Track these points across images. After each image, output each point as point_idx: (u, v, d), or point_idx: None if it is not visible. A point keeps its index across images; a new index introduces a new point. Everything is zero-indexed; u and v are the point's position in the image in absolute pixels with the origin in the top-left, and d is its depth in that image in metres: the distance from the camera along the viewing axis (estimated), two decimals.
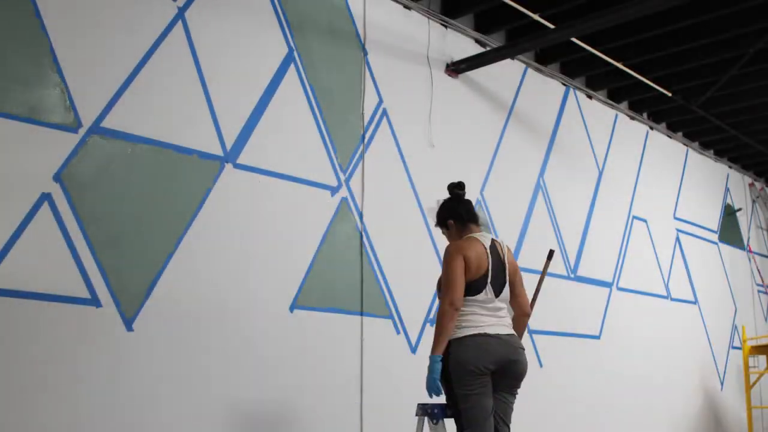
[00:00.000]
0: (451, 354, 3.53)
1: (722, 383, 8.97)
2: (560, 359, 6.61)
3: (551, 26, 5.97)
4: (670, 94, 7.66)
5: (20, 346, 3.56)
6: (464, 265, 3.59)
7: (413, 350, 5.37)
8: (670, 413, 7.99)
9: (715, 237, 9.43)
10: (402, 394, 5.23)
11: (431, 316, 5.53)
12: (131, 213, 4.03)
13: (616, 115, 7.97)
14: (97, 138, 3.95)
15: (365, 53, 5.46)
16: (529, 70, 6.90)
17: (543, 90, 7.04)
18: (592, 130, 7.55)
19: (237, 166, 4.55)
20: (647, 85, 7.43)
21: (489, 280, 3.63)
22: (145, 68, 4.20)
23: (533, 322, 6.40)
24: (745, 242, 10.09)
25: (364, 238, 5.20)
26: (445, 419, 3.63)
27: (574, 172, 7.23)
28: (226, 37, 4.63)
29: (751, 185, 10.53)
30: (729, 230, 9.74)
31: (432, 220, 5.70)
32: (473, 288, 3.61)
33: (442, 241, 5.76)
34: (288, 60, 4.96)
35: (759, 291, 10.18)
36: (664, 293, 8.24)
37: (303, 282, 4.78)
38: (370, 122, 5.39)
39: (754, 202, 10.53)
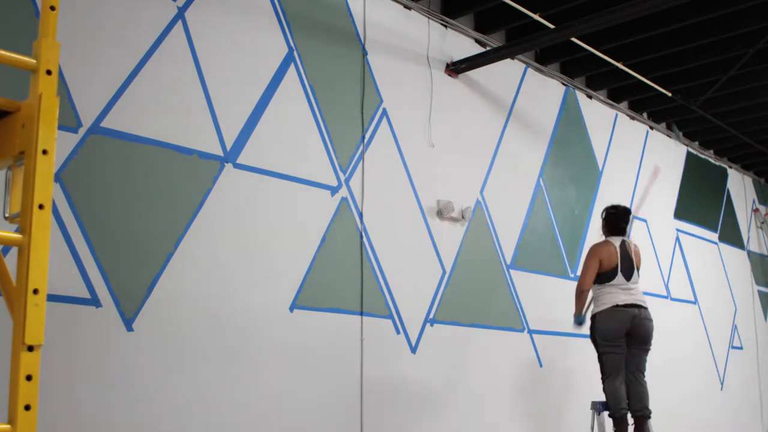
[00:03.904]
0: (596, 324, 5.26)
1: (722, 383, 8.97)
2: (560, 359, 6.61)
3: (551, 26, 5.97)
4: (670, 94, 7.65)
5: None
6: (598, 262, 5.29)
7: (413, 350, 5.38)
8: (669, 413, 7.98)
9: (715, 237, 9.42)
10: (402, 394, 5.24)
11: (431, 315, 5.54)
12: (131, 213, 4.03)
13: (616, 115, 7.97)
14: (97, 138, 3.95)
15: (365, 53, 5.46)
16: (529, 70, 6.90)
17: (543, 90, 7.04)
18: (592, 130, 7.55)
19: (237, 166, 4.55)
20: (647, 85, 7.42)
21: (619, 269, 5.28)
22: (145, 68, 4.20)
23: (533, 322, 6.41)
24: (745, 242, 10.08)
25: (364, 238, 5.20)
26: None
27: (574, 172, 7.23)
28: (226, 37, 4.63)
29: (756, 211, 10.35)
30: (729, 230, 9.73)
31: (431, 218, 5.73)
32: (607, 276, 5.27)
33: (442, 241, 5.80)
34: (288, 60, 4.96)
35: (759, 291, 10.18)
36: (664, 293, 8.23)
37: (303, 282, 4.78)
38: (370, 122, 5.39)
39: (759, 228, 10.36)
